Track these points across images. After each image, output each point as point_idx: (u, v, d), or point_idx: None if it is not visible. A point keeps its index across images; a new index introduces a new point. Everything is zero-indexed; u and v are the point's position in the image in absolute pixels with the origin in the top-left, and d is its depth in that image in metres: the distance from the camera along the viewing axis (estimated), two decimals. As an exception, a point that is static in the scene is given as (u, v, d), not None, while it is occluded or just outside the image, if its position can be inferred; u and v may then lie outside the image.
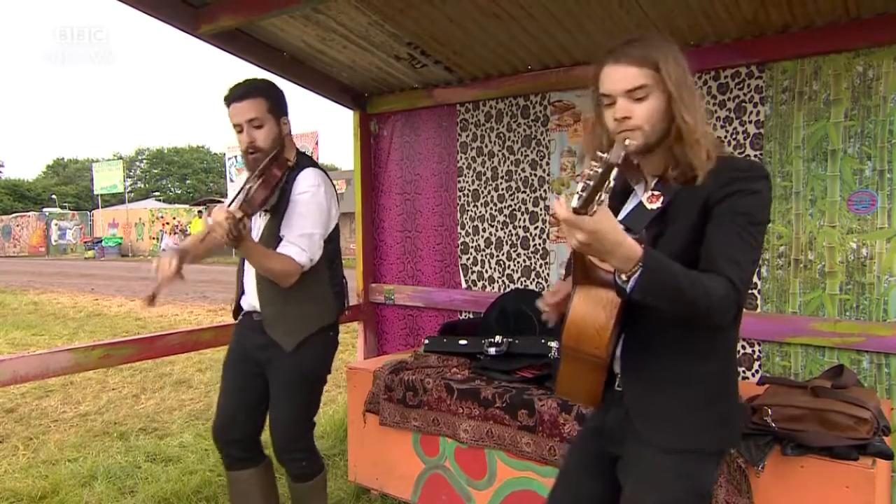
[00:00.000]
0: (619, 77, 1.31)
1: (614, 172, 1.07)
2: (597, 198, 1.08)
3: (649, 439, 1.36)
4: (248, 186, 2.05)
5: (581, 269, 1.29)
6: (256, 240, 2.14)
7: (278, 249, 2.10)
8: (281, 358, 2.20)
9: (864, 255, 2.49)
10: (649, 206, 1.34)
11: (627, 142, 1.26)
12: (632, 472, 1.40)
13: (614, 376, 1.44)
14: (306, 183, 2.14)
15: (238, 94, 2.09)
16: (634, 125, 1.31)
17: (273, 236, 2.14)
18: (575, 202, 1.09)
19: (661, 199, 1.34)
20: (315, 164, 2.24)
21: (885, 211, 2.45)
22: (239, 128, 2.10)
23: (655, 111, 1.31)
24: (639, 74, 1.29)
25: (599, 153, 1.08)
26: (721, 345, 1.39)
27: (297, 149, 2.26)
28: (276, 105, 2.14)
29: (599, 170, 1.06)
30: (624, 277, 1.16)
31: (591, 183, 1.06)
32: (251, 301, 2.25)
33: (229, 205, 1.91)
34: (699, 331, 1.31)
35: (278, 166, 2.09)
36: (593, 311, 1.26)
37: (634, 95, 1.30)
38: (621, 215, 1.43)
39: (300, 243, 2.10)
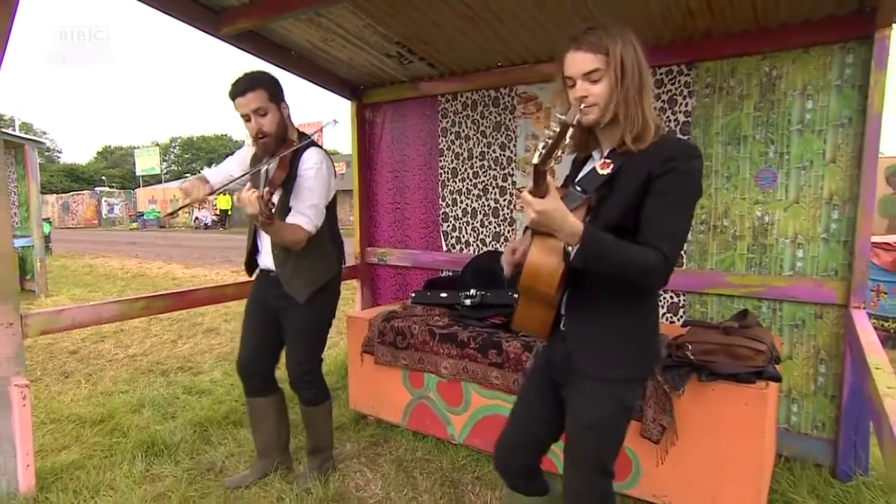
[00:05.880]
0: (578, 62, 1.29)
1: (570, 132, 1.05)
2: (555, 154, 1.07)
3: (584, 370, 1.37)
4: (264, 168, 2.03)
5: None
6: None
7: (289, 219, 2.07)
8: (296, 307, 2.20)
9: (766, 221, 2.54)
10: (601, 172, 1.33)
11: (582, 106, 1.25)
12: (572, 397, 1.42)
13: (561, 318, 1.44)
14: (311, 161, 2.12)
15: (240, 88, 2.03)
16: (591, 103, 1.29)
17: (285, 206, 2.12)
18: (536, 158, 1.08)
19: (611, 166, 1.31)
20: (314, 142, 2.19)
21: (784, 186, 2.49)
22: (246, 117, 2.06)
23: (609, 90, 1.28)
24: (593, 59, 1.27)
25: (558, 115, 1.05)
26: (644, 295, 1.39)
27: (297, 129, 2.22)
28: (275, 93, 2.09)
29: (556, 129, 1.05)
30: (570, 249, 1.20)
31: (550, 141, 1.05)
32: (266, 261, 2.24)
33: (249, 186, 1.85)
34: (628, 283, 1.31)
35: (286, 147, 2.09)
36: (547, 257, 1.25)
37: (591, 78, 1.28)
38: (579, 176, 1.41)
39: (308, 213, 2.08)
